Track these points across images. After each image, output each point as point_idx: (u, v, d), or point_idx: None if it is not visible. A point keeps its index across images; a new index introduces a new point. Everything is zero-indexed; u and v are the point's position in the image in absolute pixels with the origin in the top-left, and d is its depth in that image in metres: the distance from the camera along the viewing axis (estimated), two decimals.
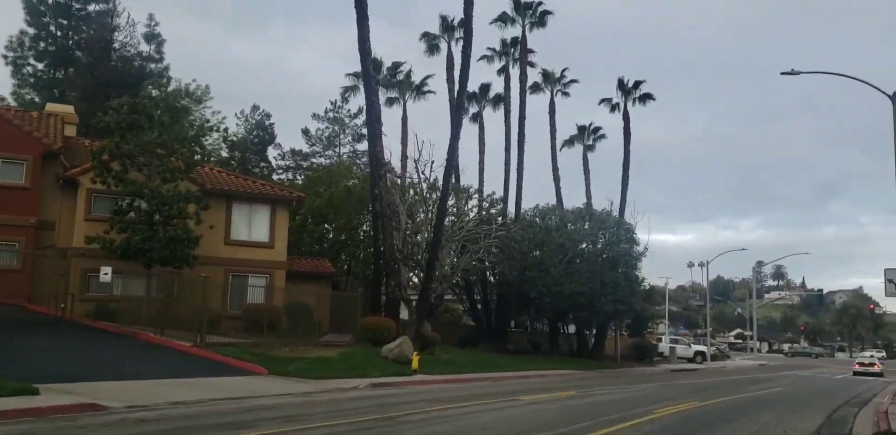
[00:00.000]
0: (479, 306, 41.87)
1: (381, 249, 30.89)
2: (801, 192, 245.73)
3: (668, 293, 61.84)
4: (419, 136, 45.84)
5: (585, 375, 31.76)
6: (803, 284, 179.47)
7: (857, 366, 49.28)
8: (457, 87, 32.14)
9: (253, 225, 29.61)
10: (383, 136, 29.78)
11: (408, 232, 33.12)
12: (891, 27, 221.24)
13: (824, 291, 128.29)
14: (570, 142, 48.28)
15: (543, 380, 27.19)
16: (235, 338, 24.63)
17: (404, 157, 38.13)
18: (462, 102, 31.21)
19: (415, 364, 23.84)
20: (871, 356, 66.05)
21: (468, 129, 40.11)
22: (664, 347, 52.72)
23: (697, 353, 54.15)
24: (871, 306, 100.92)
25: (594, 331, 44.15)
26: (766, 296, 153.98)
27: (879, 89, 20.57)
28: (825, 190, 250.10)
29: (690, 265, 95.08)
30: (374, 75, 29.38)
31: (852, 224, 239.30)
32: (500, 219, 37.83)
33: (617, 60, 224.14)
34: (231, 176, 30.88)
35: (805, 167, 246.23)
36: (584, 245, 39.13)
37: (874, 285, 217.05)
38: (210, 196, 28.00)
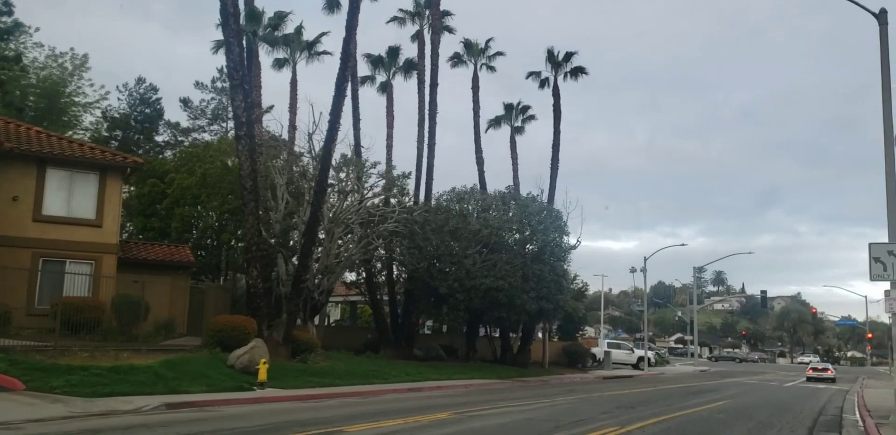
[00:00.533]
0: (385, 306, 36.02)
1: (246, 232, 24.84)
2: (739, 200, 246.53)
3: (604, 294, 57.29)
4: (322, 111, 40.01)
5: (495, 385, 26.09)
6: (743, 290, 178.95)
7: (810, 371, 47.02)
8: (346, 34, 26.07)
9: (74, 197, 23.16)
10: (244, 87, 23.64)
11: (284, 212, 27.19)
12: (826, 42, 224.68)
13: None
14: (496, 122, 43.01)
15: (433, 394, 21.36)
16: (28, 340, 18.92)
17: (293, 127, 32.07)
18: (349, 50, 25.29)
19: (262, 375, 18.70)
20: (811, 360, 63.15)
21: (375, 102, 34.17)
22: (601, 351, 47.77)
23: (641, 358, 49.39)
24: (813, 310, 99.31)
25: (520, 334, 38.74)
26: (707, 300, 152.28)
27: (864, 7, 15.64)
28: (763, 199, 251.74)
29: (633, 271, 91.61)
30: (233, 11, 23.27)
31: (789, 232, 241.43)
32: (406, 199, 32.04)
33: None
34: (53, 137, 24.33)
35: (743, 177, 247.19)
36: (507, 235, 33.66)
37: (812, 292, 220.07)
38: (13, 159, 21.79)
